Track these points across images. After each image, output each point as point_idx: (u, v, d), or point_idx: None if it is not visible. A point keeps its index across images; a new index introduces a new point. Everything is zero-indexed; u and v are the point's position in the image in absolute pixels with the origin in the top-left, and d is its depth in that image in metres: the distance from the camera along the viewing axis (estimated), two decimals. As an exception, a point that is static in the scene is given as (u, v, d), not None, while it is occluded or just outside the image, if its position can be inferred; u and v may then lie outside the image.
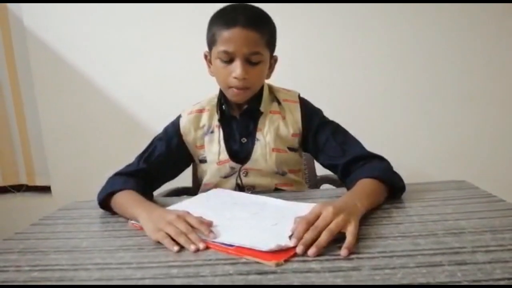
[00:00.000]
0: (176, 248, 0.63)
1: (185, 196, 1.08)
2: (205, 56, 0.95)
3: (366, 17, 1.81)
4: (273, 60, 0.95)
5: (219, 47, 0.87)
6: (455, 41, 1.82)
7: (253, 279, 0.52)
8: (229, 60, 0.87)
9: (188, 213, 0.70)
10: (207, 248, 0.63)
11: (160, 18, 1.84)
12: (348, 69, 1.85)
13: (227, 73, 0.88)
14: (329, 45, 1.83)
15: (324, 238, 0.59)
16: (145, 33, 1.86)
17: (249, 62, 0.87)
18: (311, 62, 1.83)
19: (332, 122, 0.98)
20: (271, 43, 0.91)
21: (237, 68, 0.86)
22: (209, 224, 0.68)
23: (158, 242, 0.66)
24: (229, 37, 0.85)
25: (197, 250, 0.62)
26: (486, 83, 1.85)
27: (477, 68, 1.83)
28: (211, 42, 0.90)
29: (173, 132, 0.99)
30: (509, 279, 0.48)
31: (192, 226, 0.67)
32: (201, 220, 0.68)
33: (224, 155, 0.95)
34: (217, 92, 0.99)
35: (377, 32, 1.82)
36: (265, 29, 0.88)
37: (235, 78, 0.87)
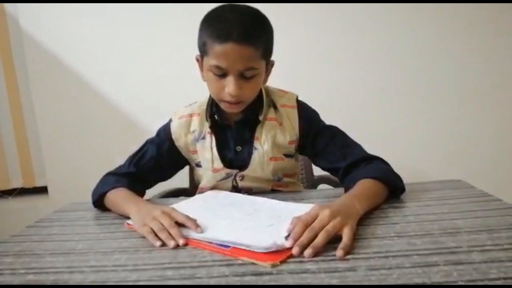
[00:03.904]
0: (158, 243, 0.65)
1: (182, 197, 1.08)
2: (197, 60, 0.90)
3: (364, 16, 1.81)
4: (270, 66, 0.90)
5: (211, 61, 0.81)
6: (453, 41, 1.82)
7: (249, 280, 0.52)
8: (222, 74, 0.82)
9: (174, 209, 0.73)
10: (203, 248, 0.62)
11: (157, 18, 1.84)
12: (346, 69, 1.85)
13: (219, 87, 0.84)
14: (327, 45, 1.84)
15: (320, 239, 0.59)
16: (142, 34, 1.86)
17: (243, 76, 0.82)
18: (308, 62, 1.83)
19: (330, 126, 0.96)
20: (267, 53, 0.86)
21: (230, 84, 0.81)
22: (195, 220, 0.69)
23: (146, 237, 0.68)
24: (222, 52, 0.79)
25: (177, 246, 0.64)
26: (483, 82, 1.85)
27: (475, 68, 1.84)
28: (202, 51, 0.85)
29: (164, 136, 0.99)
30: (505, 278, 0.48)
31: (177, 222, 0.69)
32: (188, 216, 0.70)
33: (218, 163, 0.94)
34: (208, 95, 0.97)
35: (375, 32, 1.82)
36: (260, 41, 0.82)
37: (228, 93, 0.83)
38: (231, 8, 0.84)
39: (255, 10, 0.85)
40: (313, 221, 0.62)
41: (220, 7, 0.85)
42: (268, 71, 0.91)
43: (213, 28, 0.81)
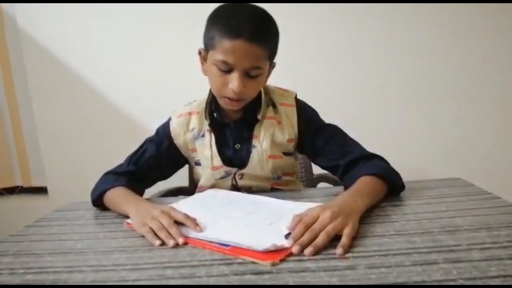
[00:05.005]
0: (158, 242, 0.65)
1: (181, 196, 1.08)
2: (199, 53, 0.89)
3: (364, 16, 1.81)
4: (271, 67, 0.90)
5: (218, 55, 0.81)
6: (452, 40, 1.82)
7: (249, 279, 0.52)
8: (227, 70, 0.82)
9: (173, 208, 0.73)
10: (202, 247, 0.62)
11: (155, 17, 1.83)
12: (346, 68, 1.85)
13: (223, 82, 0.83)
14: (327, 44, 1.83)
15: (321, 239, 0.59)
16: (141, 32, 1.85)
17: (248, 75, 0.83)
18: (308, 61, 1.83)
19: (330, 125, 0.97)
20: (272, 54, 0.86)
21: (234, 81, 0.81)
22: (194, 219, 0.69)
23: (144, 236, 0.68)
24: (230, 48, 0.79)
25: (176, 245, 0.64)
26: (482, 82, 1.85)
27: (474, 67, 1.84)
28: (209, 45, 0.84)
29: (163, 135, 0.98)
30: (504, 276, 0.48)
31: (177, 221, 0.69)
32: (187, 215, 0.70)
33: (218, 161, 0.94)
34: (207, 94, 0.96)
35: (375, 31, 1.82)
36: (269, 42, 0.83)
37: (231, 89, 0.83)
38: (242, 6, 0.84)
39: (265, 11, 0.84)
40: (314, 222, 0.62)
41: (230, 4, 0.84)
42: (269, 73, 0.91)
43: (224, 23, 0.80)
